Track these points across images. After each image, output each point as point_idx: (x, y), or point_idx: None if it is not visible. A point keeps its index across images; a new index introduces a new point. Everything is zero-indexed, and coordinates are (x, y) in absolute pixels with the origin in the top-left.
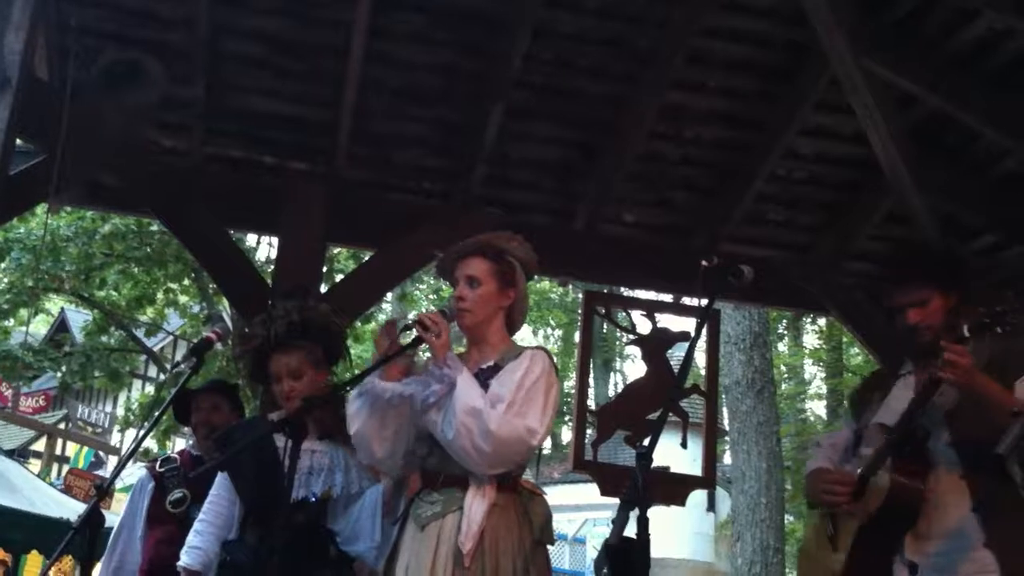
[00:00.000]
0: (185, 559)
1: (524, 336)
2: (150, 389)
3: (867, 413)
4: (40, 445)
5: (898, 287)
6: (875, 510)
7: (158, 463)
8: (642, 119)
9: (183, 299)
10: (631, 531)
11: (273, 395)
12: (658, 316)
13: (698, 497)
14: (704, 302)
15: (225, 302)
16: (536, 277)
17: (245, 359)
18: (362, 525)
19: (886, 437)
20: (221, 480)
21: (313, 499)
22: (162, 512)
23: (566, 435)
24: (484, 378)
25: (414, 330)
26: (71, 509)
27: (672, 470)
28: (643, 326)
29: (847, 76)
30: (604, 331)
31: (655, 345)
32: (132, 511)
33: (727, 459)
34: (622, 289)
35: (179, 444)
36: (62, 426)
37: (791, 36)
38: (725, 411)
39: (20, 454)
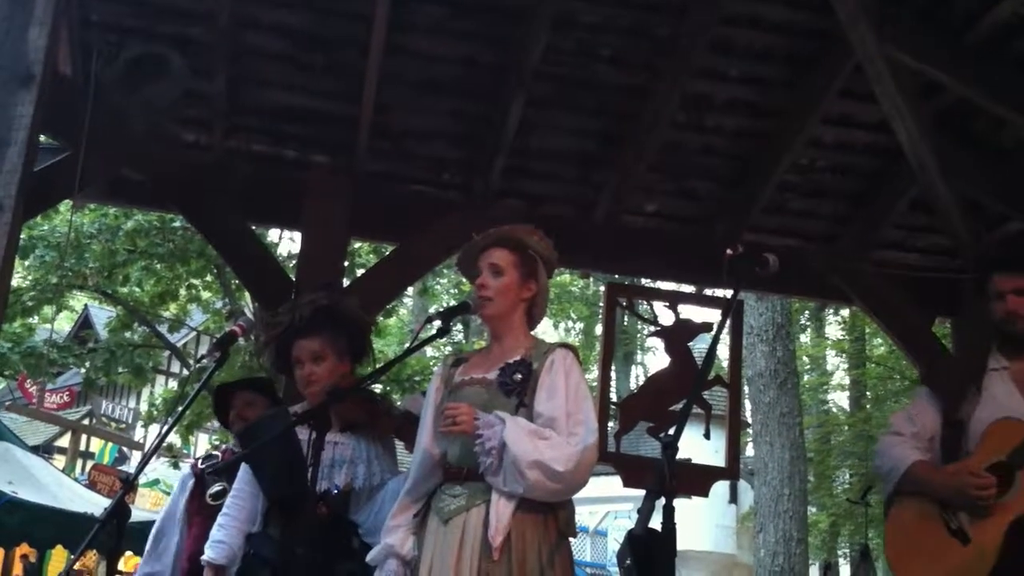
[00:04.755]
0: (209, 553)
1: (544, 329)
2: (173, 385)
3: (964, 404)
4: (64, 441)
5: (1005, 272)
6: None
7: (200, 460)
8: (663, 108)
9: (206, 295)
10: (656, 522)
11: (295, 385)
12: (680, 307)
13: (719, 489)
14: (729, 292)
15: (248, 297)
16: (557, 269)
17: (269, 348)
18: (384, 516)
19: None
20: (244, 473)
21: (335, 491)
22: (202, 506)
23: None
24: (511, 372)
25: (436, 323)
26: (96, 504)
27: (695, 461)
28: (665, 317)
29: (871, 64)
30: (625, 323)
31: (678, 336)
32: (172, 508)
33: (750, 450)
34: (643, 280)
35: (202, 439)
36: (86, 422)
37: (814, 24)
38: (748, 402)
39: (45, 450)
